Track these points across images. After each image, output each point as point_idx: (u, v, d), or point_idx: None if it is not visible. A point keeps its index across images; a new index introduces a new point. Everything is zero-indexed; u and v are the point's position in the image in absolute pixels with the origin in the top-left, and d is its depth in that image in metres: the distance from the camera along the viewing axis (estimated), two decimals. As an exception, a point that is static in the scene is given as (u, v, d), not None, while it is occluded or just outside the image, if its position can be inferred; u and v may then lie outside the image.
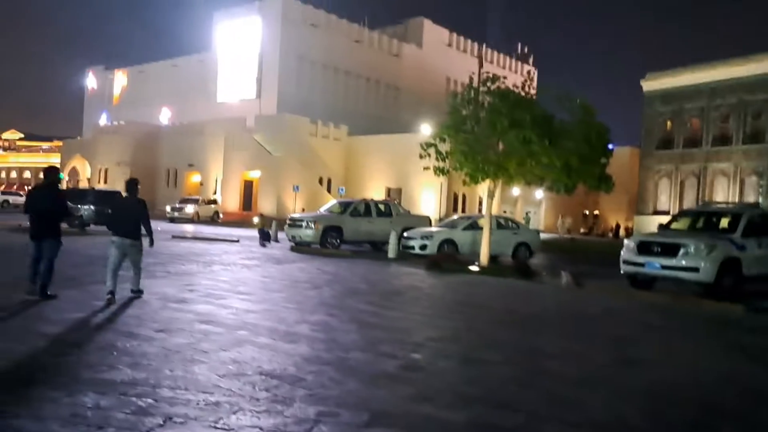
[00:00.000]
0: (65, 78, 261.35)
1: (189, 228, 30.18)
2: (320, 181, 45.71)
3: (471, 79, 15.06)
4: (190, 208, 38.61)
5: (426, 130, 45.03)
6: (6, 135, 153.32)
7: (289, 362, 5.81)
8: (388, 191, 44.31)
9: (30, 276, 8.43)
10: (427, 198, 41.84)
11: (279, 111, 48.52)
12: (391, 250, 18.52)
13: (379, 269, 15.40)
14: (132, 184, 9.05)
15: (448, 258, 16.02)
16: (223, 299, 9.31)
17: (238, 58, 55.08)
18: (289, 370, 5.55)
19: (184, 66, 62.81)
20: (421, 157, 15.79)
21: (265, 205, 42.40)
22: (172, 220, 36.82)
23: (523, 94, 14.80)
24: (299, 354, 6.17)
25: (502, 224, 18.56)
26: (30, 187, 8.46)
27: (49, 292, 8.29)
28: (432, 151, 15.46)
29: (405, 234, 18.94)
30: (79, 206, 22.60)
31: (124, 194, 9.42)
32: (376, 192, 42.31)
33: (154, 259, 14.14)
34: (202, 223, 37.61)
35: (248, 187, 46.07)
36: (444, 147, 15.45)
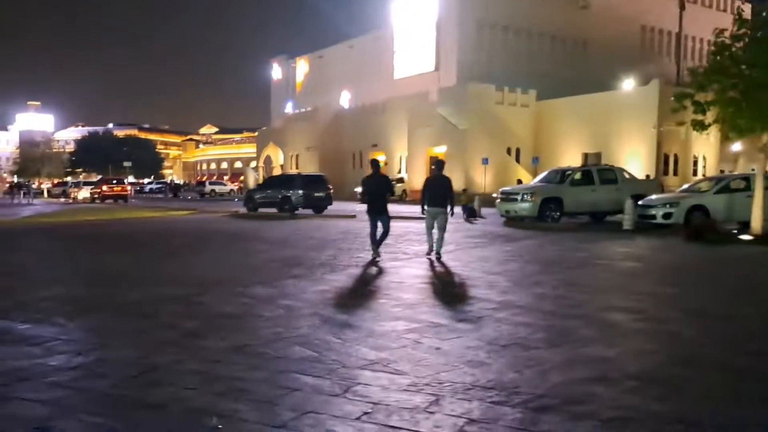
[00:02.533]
0: (252, 71, 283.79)
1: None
2: (508, 151, 43.84)
3: (740, 10, 12.51)
4: (380, 188, 39.02)
5: (628, 85, 41.21)
6: (203, 130, 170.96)
7: (651, 362, 4.80)
8: (585, 157, 41.08)
9: (373, 244, 10.86)
10: (633, 161, 38.04)
11: (459, 81, 47.16)
12: (627, 221, 16.65)
13: (629, 243, 13.72)
14: (440, 163, 11.52)
15: (708, 227, 13.84)
16: (497, 283, 8.35)
17: (413, 31, 54.52)
18: (659, 372, 4.52)
19: (360, 46, 63.78)
20: (673, 111, 13.65)
21: (453, 180, 41.57)
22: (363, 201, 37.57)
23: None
24: (652, 350, 5.19)
25: None
26: (364, 177, 11.66)
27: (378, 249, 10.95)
28: (688, 102, 13.22)
29: (641, 202, 16.89)
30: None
31: (434, 173, 11.54)
32: (571, 159, 39.36)
33: (390, 240, 13.80)
34: (391, 202, 37.82)
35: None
36: (704, 97, 13.11)
